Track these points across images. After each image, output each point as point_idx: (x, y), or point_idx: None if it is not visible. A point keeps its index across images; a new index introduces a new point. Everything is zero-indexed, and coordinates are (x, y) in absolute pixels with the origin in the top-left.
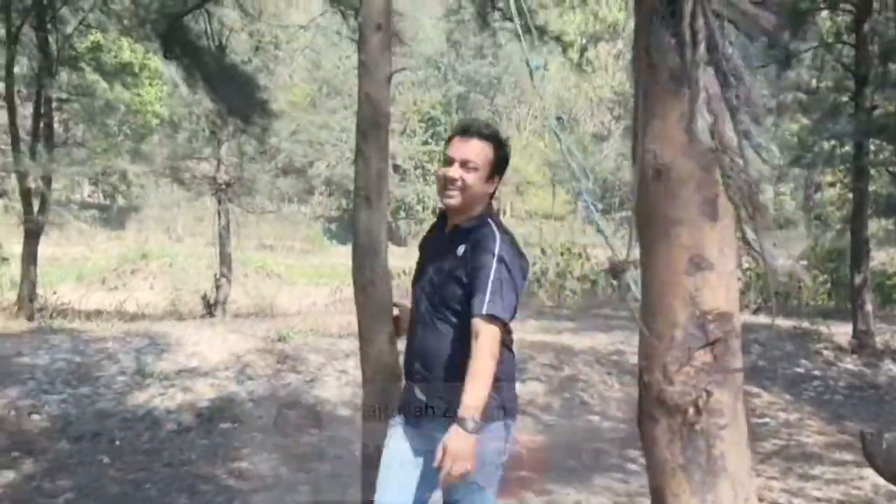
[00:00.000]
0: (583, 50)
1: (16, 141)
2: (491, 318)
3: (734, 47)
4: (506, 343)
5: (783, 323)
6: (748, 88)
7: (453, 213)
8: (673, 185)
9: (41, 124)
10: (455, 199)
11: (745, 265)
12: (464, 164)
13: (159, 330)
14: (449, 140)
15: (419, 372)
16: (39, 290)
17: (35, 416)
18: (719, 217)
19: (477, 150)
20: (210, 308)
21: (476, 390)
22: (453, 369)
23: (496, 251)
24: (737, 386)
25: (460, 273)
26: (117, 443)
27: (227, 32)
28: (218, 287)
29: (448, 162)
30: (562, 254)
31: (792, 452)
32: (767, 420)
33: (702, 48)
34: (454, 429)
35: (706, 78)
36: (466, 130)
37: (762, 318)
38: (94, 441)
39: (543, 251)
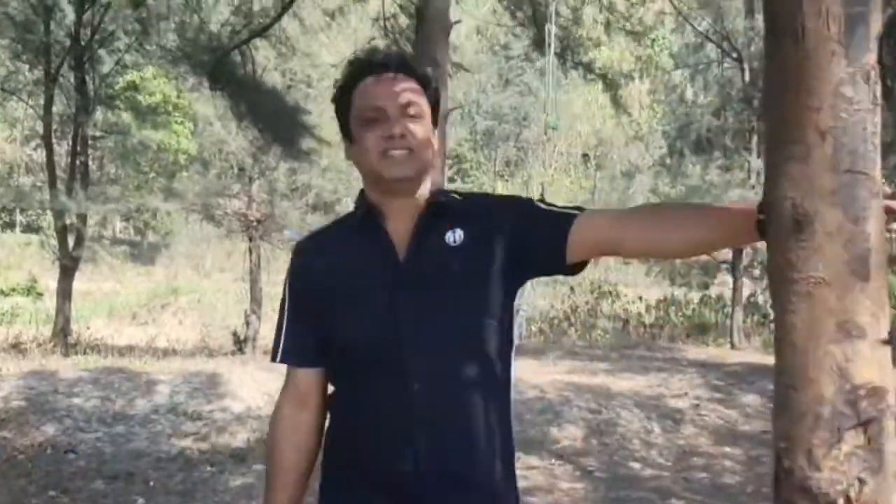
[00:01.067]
0: (617, 85)
1: (52, 179)
2: None
3: None
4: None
5: None
6: None
7: (403, 192)
8: (818, 239)
9: (77, 162)
10: (408, 165)
11: None
12: (404, 112)
13: (192, 368)
14: (348, 86)
15: (433, 468)
16: (73, 326)
17: (71, 455)
18: (871, 277)
19: (413, 89)
20: (240, 344)
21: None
22: (503, 447)
23: (525, 197)
24: (892, 474)
25: (474, 262)
26: (151, 483)
27: (259, 70)
28: (248, 323)
29: (373, 116)
30: (592, 292)
31: None
32: None
33: None
34: None
35: None
36: (385, 65)
37: None
38: (128, 481)
39: (573, 289)
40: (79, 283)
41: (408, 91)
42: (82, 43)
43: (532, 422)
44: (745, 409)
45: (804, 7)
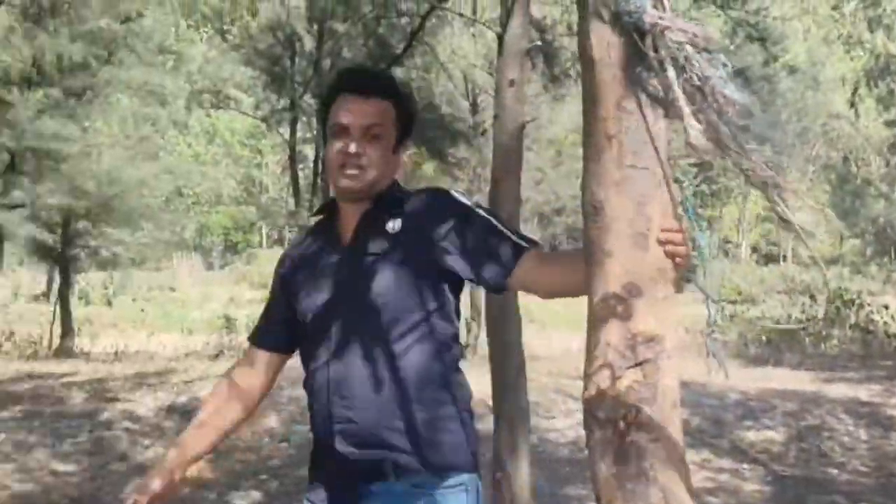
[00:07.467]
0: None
1: (297, 197)
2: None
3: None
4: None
5: None
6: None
7: (352, 200)
8: (607, 220)
9: (318, 182)
10: (357, 180)
11: None
12: (365, 133)
13: None
14: (329, 101)
15: (349, 421)
16: None
17: (283, 444)
18: (650, 248)
19: (379, 111)
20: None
21: None
22: (415, 413)
23: (466, 201)
24: (669, 403)
25: (405, 249)
26: None
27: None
28: (469, 330)
29: (339, 132)
30: (832, 301)
31: None
32: None
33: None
34: None
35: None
36: (360, 85)
37: None
38: None
39: (813, 297)
40: None
41: (373, 115)
42: (321, 72)
43: (731, 425)
44: None
45: (591, 39)
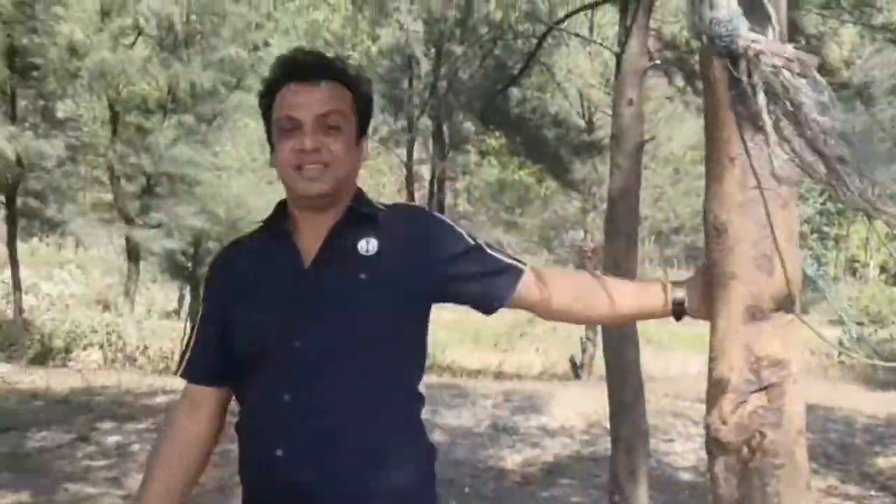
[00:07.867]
0: None
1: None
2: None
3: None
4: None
5: None
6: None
7: (316, 207)
8: (730, 242)
9: (433, 201)
10: (321, 181)
11: None
12: (321, 124)
13: (518, 388)
14: (271, 90)
15: (301, 482)
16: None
17: None
18: (775, 271)
19: (334, 97)
20: (577, 369)
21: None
22: (389, 461)
23: (448, 221)
24: (797, 429)
25: (385, 275)
26: (466, 490)
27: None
28: (584, 350)
29: (288, 127)
30: None
31: None
32: None
33: (761, 96)
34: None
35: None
36: (307, 70)
37: None
38: (447, 486)
39: None
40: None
41: (327, 101)
42: (438, 94)
43: (858, 450)
44: None
45: (713, 60)
